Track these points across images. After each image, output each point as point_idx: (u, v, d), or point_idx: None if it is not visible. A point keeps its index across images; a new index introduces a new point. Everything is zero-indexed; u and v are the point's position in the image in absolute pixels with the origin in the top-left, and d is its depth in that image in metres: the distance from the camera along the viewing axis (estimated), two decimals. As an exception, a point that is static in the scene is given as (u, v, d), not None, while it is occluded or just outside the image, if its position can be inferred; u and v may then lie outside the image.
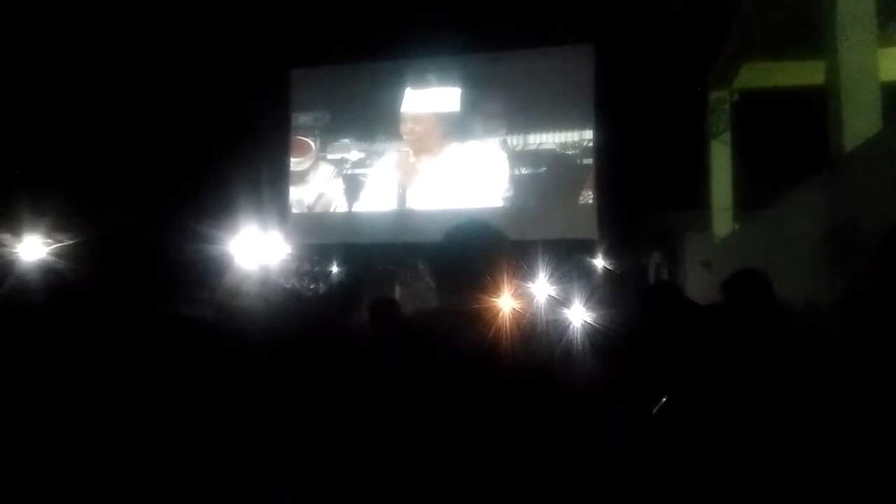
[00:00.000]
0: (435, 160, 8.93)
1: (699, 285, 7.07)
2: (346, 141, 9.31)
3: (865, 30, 4.19)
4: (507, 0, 8.23)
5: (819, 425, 1.62)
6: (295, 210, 9.44)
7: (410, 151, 9.04)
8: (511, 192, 8.62)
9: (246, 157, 8.95)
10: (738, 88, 7.47)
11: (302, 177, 9.47)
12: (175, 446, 1.49)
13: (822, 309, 3.16)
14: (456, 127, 8.86)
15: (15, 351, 1.54)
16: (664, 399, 1.98)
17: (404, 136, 9.05)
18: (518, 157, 8.63)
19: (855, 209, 3.83)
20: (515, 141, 8.66)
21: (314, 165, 9.45)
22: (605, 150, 8.30)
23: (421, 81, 9.04)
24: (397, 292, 9.20)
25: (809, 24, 4.93)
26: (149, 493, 1.46)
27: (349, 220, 9.22)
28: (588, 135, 8.36)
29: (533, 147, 8.59)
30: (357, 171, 9.24)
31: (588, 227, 8.22)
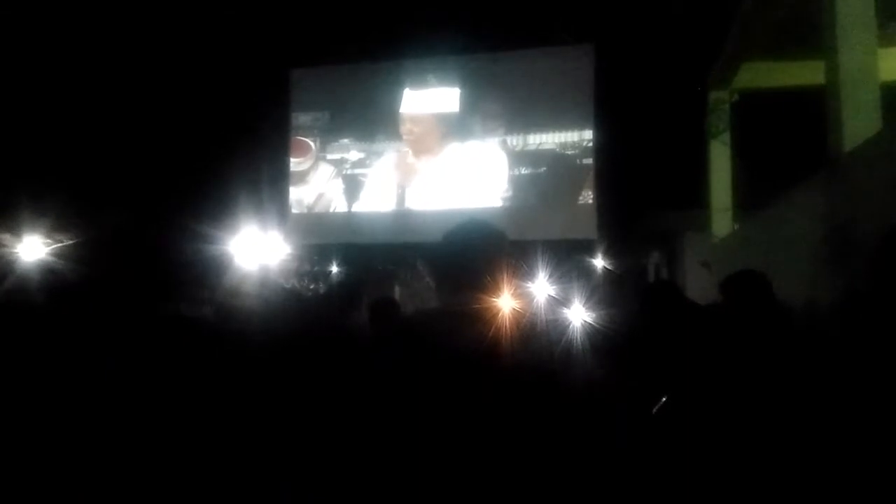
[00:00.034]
0: (435, 160, 8.93)
1: (699, 285, 7.06)
2: (345, 141, 9.32)
3: (865, 30, 4.20)
4: (506, 0, 8.22)
5: (818, 425, 1.62)
6: (295, 210, 9.45)
7: (410, 151, 9.04)
8: (511, 192, 8.62)
9: (246, 157, 8.94)
10: (737, 88, 7.48)
11: (302, 177, 9.47)
12: (175, 446, 1.49)
13: (821, 309, 3.16)
14: (455, 127, 8.86)
15: (15, 351, 1.55)
16: (664, 399, 1.98)
17: (404, 137, 9.06)
18: (518, 157, 8.64)
19: (854, 209, 3.83)
20: (515, 141, 8.66)
21: (314, 165, 9.45)
22: (605, 150, 8.30)
23: (420, 81, 9.05)
24: (397, 292, 9.20)
25: (809, 24, 4.93)
26: (149, 492, 1.46)
27: (349, 220, 9.23)
28: (588, 135, 8.36)
29: (532, 147, 8.59)
30: (357, 171, 9.25)
31: (588, 227, 8.23)
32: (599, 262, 7.15)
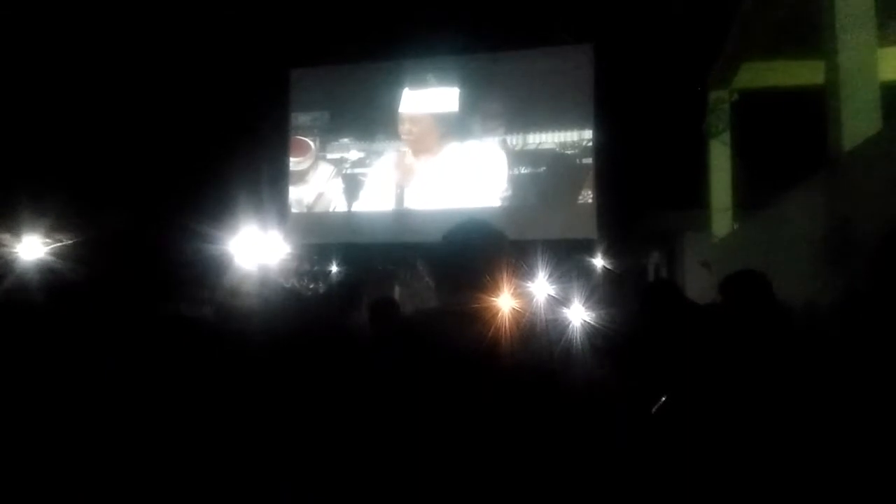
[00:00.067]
0: (434, 160, 8.93)
1: (698, 285, 7.06)
2: (345, 140, 9.32)
3: (865, 30, 4.20)
4: (506, 0, 8.22)
5: (818, 424, 1.62)
6: (294, 210, 9.45)
7: (409, 151, 9.05)
8: (510, 192, 8.62)
9: (246, 157, 8.95)
10: (737, 88, 7.47)
11: (301, 176, 9.48)
12: (176, 446, 1.49)
13: (821, 309, 3.16)
14: (455, 127, 8.86)
15: (15, 351, 1.55)
16: (663, 399, 1.98)
17: (403, 137, 9.07)
18: (517, 157, 8.64)
19: (854, 209, 3.83)
20: (515, 140, 8.66)
21: (314, 165, 9.46)
22: (605, 150, 8.31)
23: (420, 81, 9.05)
24: (397, 292, 9.20)
25: (809, 24, 4.93)
26: (149, 492, 1.46)
27: (348, 219, 9.23)
28: (587, 134, 8.36)
29: (532, 147, 8.59)
30: (356, 170, 9.25)
31: (587, 227, 8.23)
32: (599, 262, 7.15)
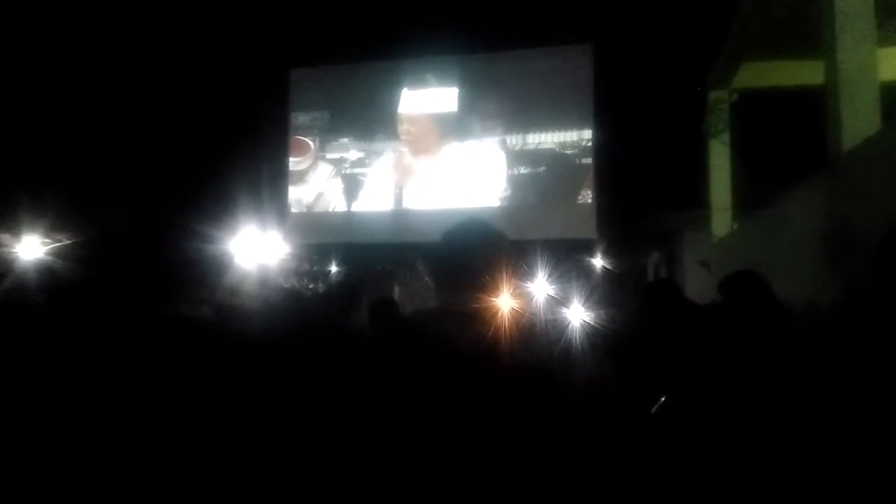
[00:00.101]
0: (433, 160, 8.94)
1: (698, 285, 7.06)
2: (345, 140, 9.32)
3: (864, 29, 4.19)
4: (506, 0, 8.22)
5: (818, 424, 1.62)
6: (294, 209, 9.46)
7: (409, 151, 9.05)
8: (510, 192, 8.63)
9: (245, 157, 8.95)
10: (737, 88, 7.47)
11: (301, 176, 9.48)
12: (176, 446, 1.49)
13: (821, 309, 3.16)
14: (454, 127, 8.86)
15: (15, 350, 1.55)
16: (663, 398, 1.98)
17: (402, 137, 9.07)
18: (517, 157, 8.64)
19: (854, 209, 3.83)
20: (514, 140, 8.66)
21: (313, 165, 9.46)
22: (604, 150, 8.31)
23: (419, 81, 9.05)
24: (397, 292, 9.20)
25: (809, 24, 4.93)
26: (149, 492, 1.46)
27: (348, 219, 9.24)
28: (587, 134, 8.37)
29: (532, 146, 8.59)
30: (356, 170, 9.25)
31: (587, 227, 8.23)
32: (599, 262, 7.15)
